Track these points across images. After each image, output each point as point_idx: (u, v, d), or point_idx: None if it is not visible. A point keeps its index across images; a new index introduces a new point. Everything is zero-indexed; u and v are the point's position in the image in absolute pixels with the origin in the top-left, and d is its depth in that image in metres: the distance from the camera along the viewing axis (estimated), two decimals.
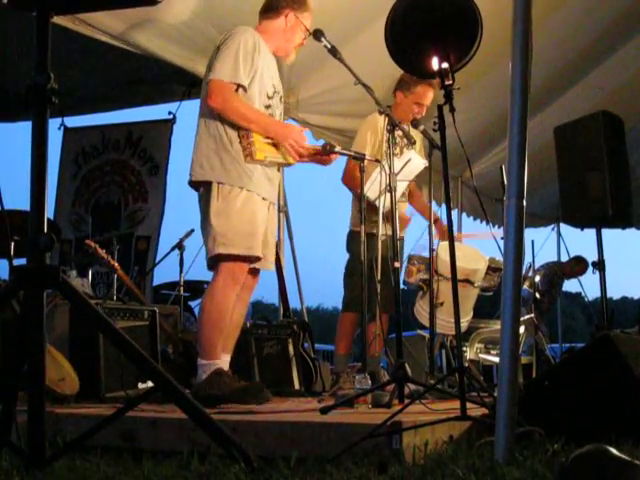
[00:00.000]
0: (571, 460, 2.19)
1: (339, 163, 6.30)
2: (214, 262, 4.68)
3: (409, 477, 2.60)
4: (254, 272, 4.91)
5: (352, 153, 5.40)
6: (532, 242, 8.37)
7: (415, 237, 6.41)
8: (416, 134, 5.87)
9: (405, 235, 6.44)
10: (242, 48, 4.63)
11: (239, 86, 4.64)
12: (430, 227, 5.60)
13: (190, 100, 8.64)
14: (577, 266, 11.68)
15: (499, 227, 9.16)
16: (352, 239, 6.22)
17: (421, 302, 5.89)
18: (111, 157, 9.48)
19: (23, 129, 9.00)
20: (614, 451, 2.17)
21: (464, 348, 6.24)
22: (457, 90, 3.78)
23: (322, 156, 5.08)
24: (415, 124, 5.63)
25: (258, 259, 4.75)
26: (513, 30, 3.16)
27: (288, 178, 8.34)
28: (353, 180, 6.12)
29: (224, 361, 4.76)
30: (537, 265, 9.98)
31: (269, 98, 4.83)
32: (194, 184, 4.75)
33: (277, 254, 6.99)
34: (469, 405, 3.51)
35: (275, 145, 4.74)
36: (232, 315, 4.78)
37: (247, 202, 4.66)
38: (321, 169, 5.33)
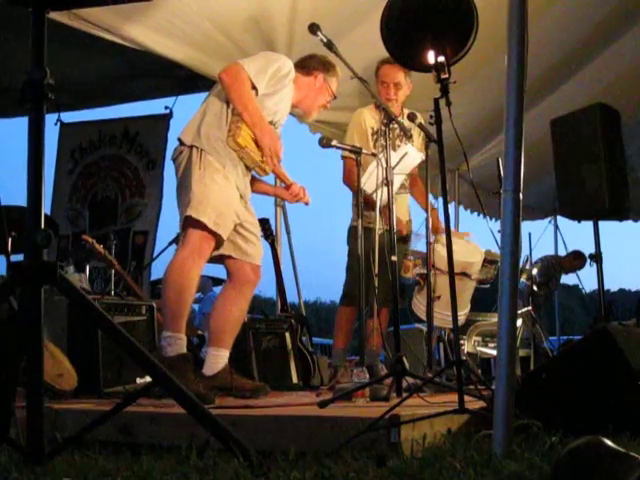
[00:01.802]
0: (567, 451, 2.19)
1: (336, 156, 6.33)
2: (184, 228, 4.74)
3: (407, 470, 2.61)
4: (254, 267, 4.94)
5: (349, 147, 5.41)
6: (529, 235, 8.34)
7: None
8: (413, 127, 5.88)
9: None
10: (277, 68, 4.88)
11: (253, 87, 4.77)
12: (427, 220, 5.60)
13: (186, 95, 8.65)
14: (575, 261, 11.69)
15: (496, 220, 9.18)
16: (351, 234, 6.25)
17: (418, 296, 5.89)
18: (108, 152, 9.50)
19: (19, 125, 9.00)
20: (609, 442, 2.18)
21: (462, 341, 6.25)
22: (453, 84, 3.79)
23: (286, 190, 5.26)
24: (412, 117, 5.63)
25: (222, 241, 4.78)
26: (509, 23, 3.17)
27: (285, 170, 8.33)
28: (353, 177, 6.16)
29: (222, 356, 4.79)
30: (535, 258, 9.97)
31: (271, 123, 4.95)
32: (179, 142, 4.85)
33: (274, 248, 7.02)
34: (467, 398, 3.52)
35: (258, 146, 4.81)
36: (231, 310, 4.82)
37: (226, 183, 4.76)
38: (319, 161, 5.38)
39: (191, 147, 4.76)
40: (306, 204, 5.30)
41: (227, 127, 4.75)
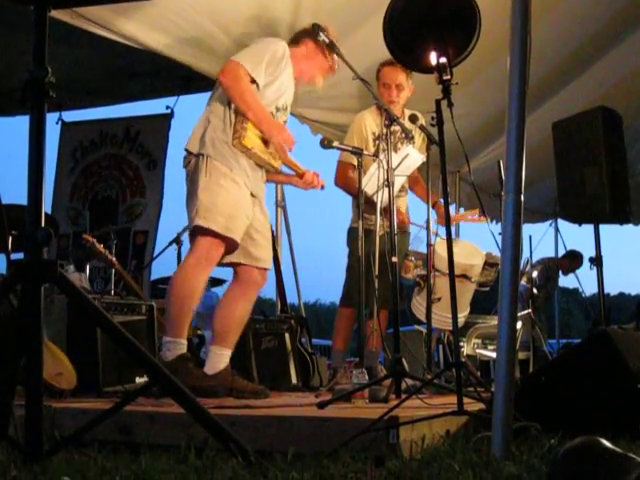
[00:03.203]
0: (563, 451, 2.18)
1: (336, 157, 6.33)
2: (193, 236, 4.74)
3: (406, 471, 2.61)
4: (262, 271, 4.97)
5: (350, 148, 5.41)
6: (530, 237, 8.34)
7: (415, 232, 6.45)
8: (414, 129, 5.87)
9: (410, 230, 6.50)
10: (271, 53, 4.86)
11: (253, 81, 4.76)
12: (428, 222, 5.60)
13: (188, 95, 8.64)
14: (573, 261, 11.74)
15: (497, 222, 9.18)
16: (351, 235, 6.25)
17: (418, 298, 5.89)
18: (109, 152, 9.48)
19: (21, 123, 9.01)
20: (606, 442, 2.17)
21: (461, 343, 6.24)
22: (455, 85, 3.78)
23: (299, 179, 5.23)
24: (413, 119, 5.63)
25: (235, 244, 4.78)
26: (512, 25, 3.16)
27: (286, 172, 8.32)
28: (346, 180, 6.17)
29: (224, 355, 4.79)
30: (534, 260, 9.98)
31: (277, 110, 4.97)
32: (186, 153, 4.85)
33: (275, 249, 7.02)
34: (466, 400, 3.52)
35: (265, 143, 4.79)
36: (235, 310, 4.83)
37: (232, 186, 4.75)
38: (319, 162, 5.37)
39: (198, 155, 4.76)
40: (322, 188, 5.28)
41: (232, 129, 4.75)
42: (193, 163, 4.79)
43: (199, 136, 4.79)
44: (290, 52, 5.07)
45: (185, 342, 4.65)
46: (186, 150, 4.84)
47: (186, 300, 4.64)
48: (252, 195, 4.88)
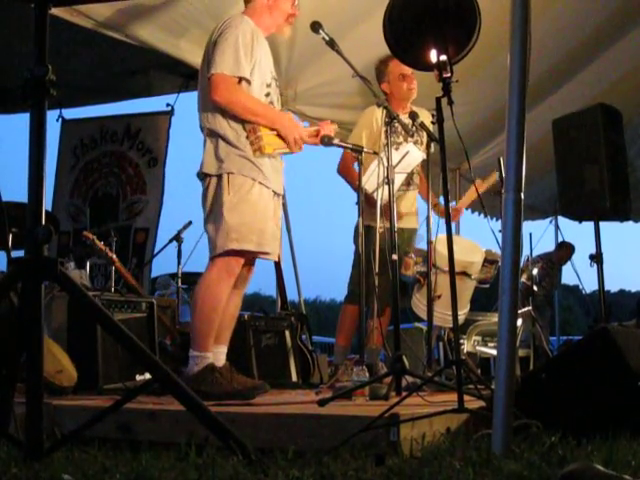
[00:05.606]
0: (560, 476, 2.19)
1: (337, 153, 6.32)
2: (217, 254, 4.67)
3: (406, 469, 2.61)
4: (250, 263, 4.90)
5: (350, 145, 5.40)
6: (530, 235, 8.35)
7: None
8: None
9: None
10: (241, 40, 4.60)
11: (242, 79, 4.60)
12: (428, 219, 5.59)
13: (188, 92, 8.65)
14: (560, 251, 11.75)
15: (497, 220, 9.18)
16: (357, 232, 6.22)
17: (418, 295, 5.89)
18: (109, 149, 9.48)
19: (21, 121, 9.01)
20: (601, 468, 2.18)
21: (461, 341, 6.24)
22: (455, 83, 3.78)
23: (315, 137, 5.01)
24: (413, 116, 5.62)
25: (266, 254, 4.78)
26: (512, 22, 3.16)
27: (286, 168, 8.32)
28: (348, 170, 6.15)
29: (220, 352, 4.77)
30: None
31: (267, 86, 4.81)
32: (203, 175, 4.70)
33: None
34: (466, 398, 3.52)
35: (279, 135, 4.72)
36: (227, 306, 4.80)
37: (260, 196, 4.67)
38: (320, 161, 5.35)
39: (218, 176, 4.61)
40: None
41: (244, 140, 4.61)
42: (214, 184, 4.64)
43: (212, 155, 4.64)
44: (250, 9, 4.85)
45: (211, 355, 4.62)
46: (203, 175, 4.68)
47: (211, 314, 4.60)
48: (275, 193, 4.83)
